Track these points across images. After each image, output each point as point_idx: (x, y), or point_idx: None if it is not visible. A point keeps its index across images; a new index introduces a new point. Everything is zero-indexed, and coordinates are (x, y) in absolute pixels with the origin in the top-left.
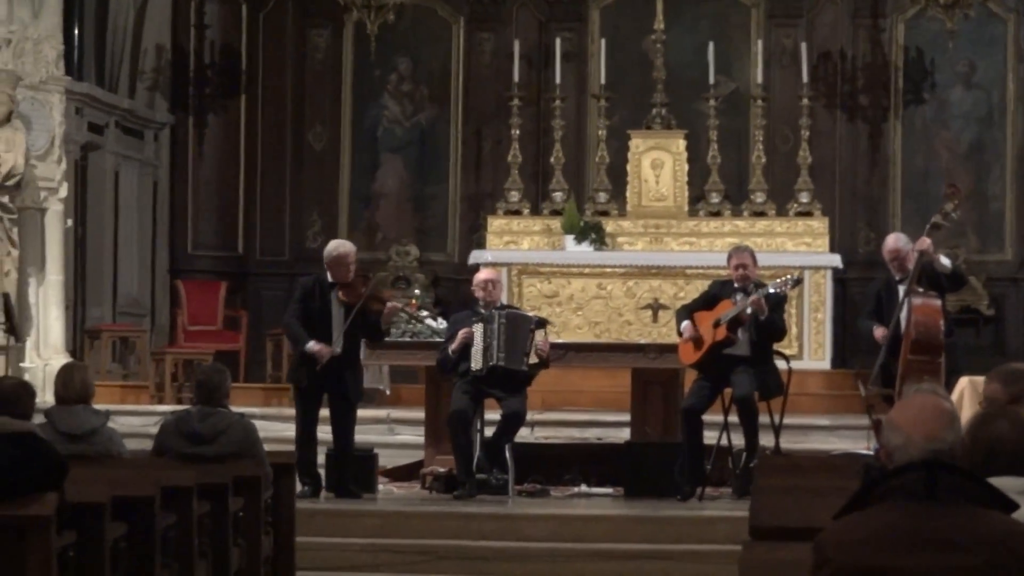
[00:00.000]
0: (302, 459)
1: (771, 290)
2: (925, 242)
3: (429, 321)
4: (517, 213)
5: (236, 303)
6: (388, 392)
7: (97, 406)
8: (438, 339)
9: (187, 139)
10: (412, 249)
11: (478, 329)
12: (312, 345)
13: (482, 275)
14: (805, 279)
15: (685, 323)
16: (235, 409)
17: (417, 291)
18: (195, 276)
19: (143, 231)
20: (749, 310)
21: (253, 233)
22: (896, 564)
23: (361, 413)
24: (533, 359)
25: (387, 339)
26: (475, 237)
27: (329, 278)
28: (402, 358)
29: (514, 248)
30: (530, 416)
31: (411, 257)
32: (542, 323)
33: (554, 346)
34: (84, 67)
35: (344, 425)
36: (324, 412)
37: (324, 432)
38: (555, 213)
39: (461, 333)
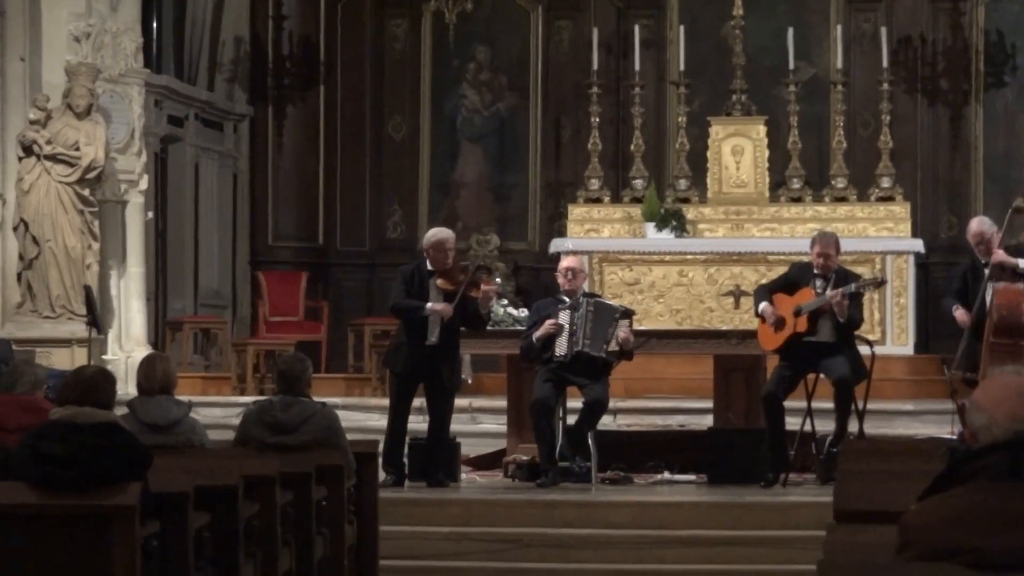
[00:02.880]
0: (389, 448)
1: (855, 289)
2: (999, 255)
3: (511, 309)
4: (598, 201)
5: (317, 294)
6: (470, 381)
7: (179, 397)
8: (519, 327)
9: (266, 131)
10: (492, 238)
11: (564, 316)
12: (432, 305)
13: (565, 263)
14: (888, 263)
15: (764, 304)
16: (317, 399)
17: (498, 280)
18: (276, 267)
19: (223, 223)
20: (833, 303)
21: (333, 224)
22: (980, 544)
23: None
24: (613, 347)
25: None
26: (556, 225)
27: (428, 265)
28: (484, 347)
29: (595, 236)
30: (613, 404)
31: (491, 246)
32: (628, 314)
33: (636, 333)
34: (163, 59)
35: (442, 413)
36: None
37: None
38: (635, 201)
39: (547, 323)
